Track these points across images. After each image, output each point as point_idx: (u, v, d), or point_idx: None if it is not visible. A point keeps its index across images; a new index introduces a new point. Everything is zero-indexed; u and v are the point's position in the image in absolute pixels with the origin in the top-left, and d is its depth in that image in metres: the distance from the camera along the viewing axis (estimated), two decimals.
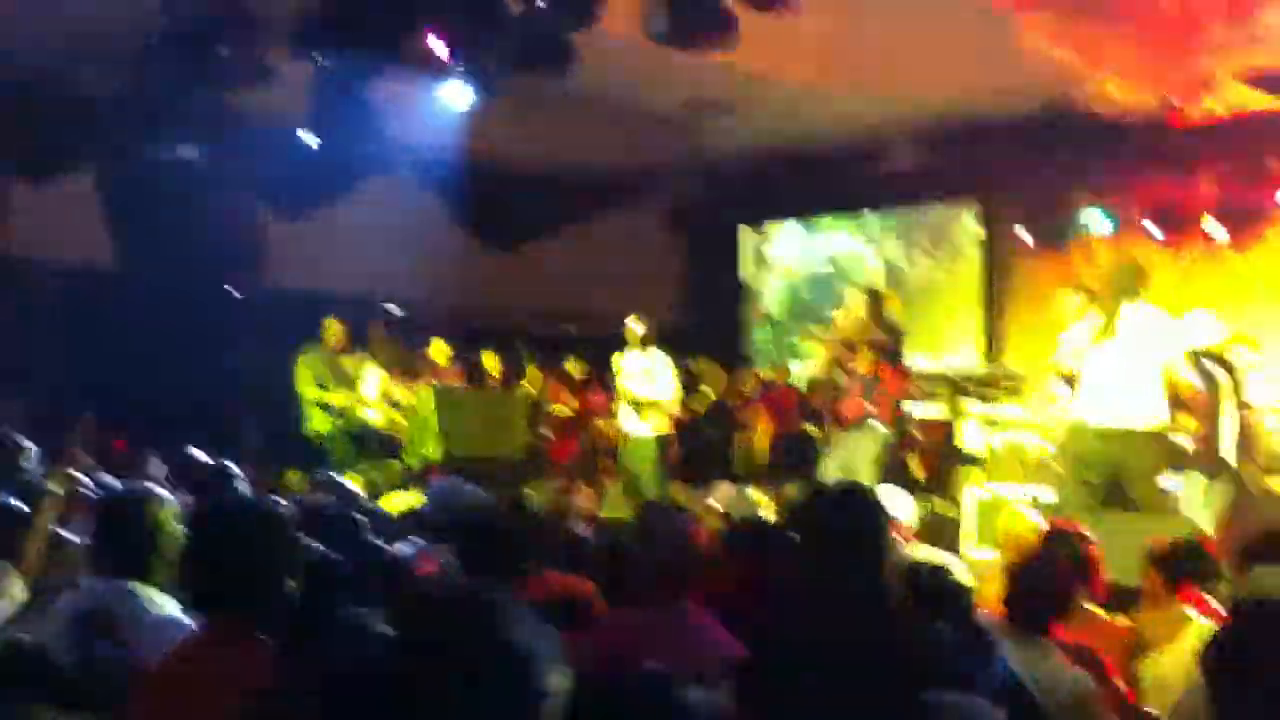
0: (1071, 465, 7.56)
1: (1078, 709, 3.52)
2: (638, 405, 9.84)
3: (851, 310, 9.64)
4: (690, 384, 11.53)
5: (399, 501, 7.00)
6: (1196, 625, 4.34)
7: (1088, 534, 4.89)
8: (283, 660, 2.57)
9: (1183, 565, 4.68)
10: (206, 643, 2.84)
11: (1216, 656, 3.27)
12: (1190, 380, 7.63)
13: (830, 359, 10.87)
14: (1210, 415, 7.58)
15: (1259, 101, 10.68)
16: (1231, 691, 3.14)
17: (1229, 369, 7.74)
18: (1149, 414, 7.26)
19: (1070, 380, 7.61)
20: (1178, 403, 7.44)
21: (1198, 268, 11.12)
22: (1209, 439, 7.51)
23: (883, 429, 9.39)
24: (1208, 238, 11.08)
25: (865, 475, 8.61)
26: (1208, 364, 7.74)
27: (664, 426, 10.05)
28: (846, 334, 9.92)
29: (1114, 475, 7.30)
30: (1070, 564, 4.39)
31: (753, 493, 7.87)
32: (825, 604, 2.99)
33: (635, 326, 10.01)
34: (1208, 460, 7.66)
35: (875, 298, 9.95)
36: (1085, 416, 7.42)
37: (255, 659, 2.61)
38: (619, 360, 10.10)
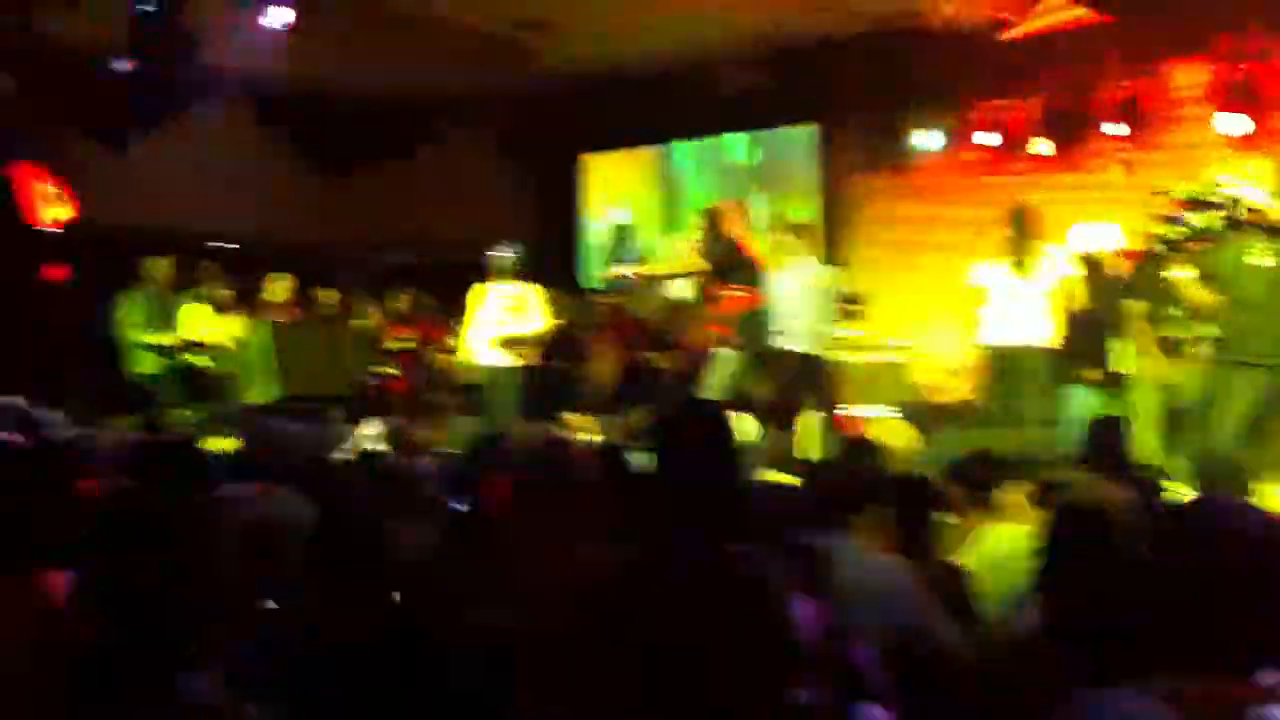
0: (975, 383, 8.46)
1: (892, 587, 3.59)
2: (505, 338, 9.46)
3: (690, 233, 9.20)
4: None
5: (226, 443, 6.73)
6: (1000, 529, 4.45)
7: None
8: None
9: (974, 475, 4.79)
10: None
11: (1039, 555, 3.38)
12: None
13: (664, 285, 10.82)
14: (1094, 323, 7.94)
15: (1084, 16, 10.90)
16: (1053, 588, 3.24)
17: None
18: (1041, 334, 7.88)
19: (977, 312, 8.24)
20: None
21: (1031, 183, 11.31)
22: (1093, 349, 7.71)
23: (731, 354, 9.19)
24: (1037, 153, 11.27)
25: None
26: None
27: (526, 357, 9.75)
28: (682, 260, 9.66)
29: (1008, 393, 7.84)
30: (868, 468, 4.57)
31: (589, 421, 7.82)
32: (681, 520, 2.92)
33: (504, 256, 9.65)
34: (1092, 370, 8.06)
35: (711, 216, 9.32)
36: (987, 339, 8.10)
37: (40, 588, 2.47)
38: (483, 290, 9.70)
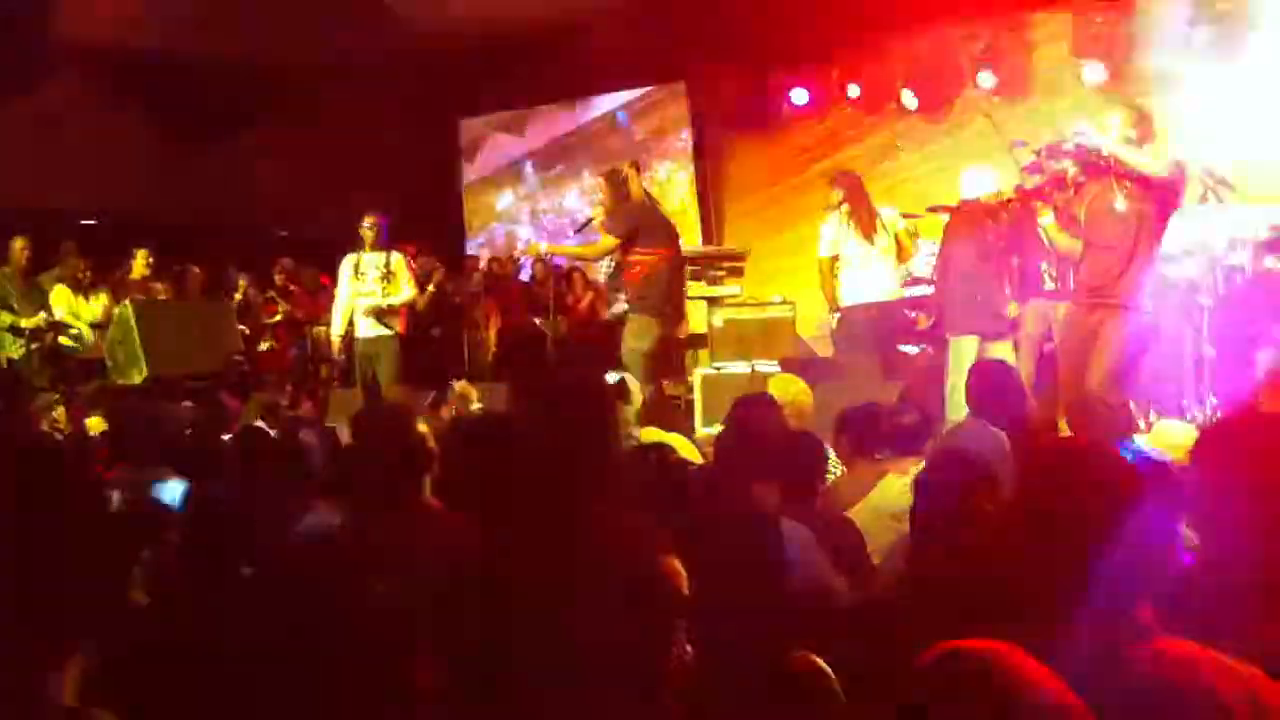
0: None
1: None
2: (377, 309, 9.38)
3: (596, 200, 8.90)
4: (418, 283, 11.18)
5: (96, 423, 6.58)
6: (886, 480, 4.53)
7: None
8: None
9: (860, 428, 4.89)
10: None
11: (916, 507, 3.46)
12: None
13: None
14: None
15: None
16: (923, 531, 3.32)
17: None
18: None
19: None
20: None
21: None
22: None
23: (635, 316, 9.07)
24: (903, 108, 11.42)
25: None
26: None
27: (399, 326, 9.67)
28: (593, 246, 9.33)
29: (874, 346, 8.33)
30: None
31: (468, 387, 7.77)
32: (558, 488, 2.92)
33: (371, 225, 9.44)
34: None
35: (614, 178, 8.93)
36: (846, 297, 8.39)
37: None
38: (354, 260, 9.55)
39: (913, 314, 9.56)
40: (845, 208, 8.52)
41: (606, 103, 14.14)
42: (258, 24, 11.06)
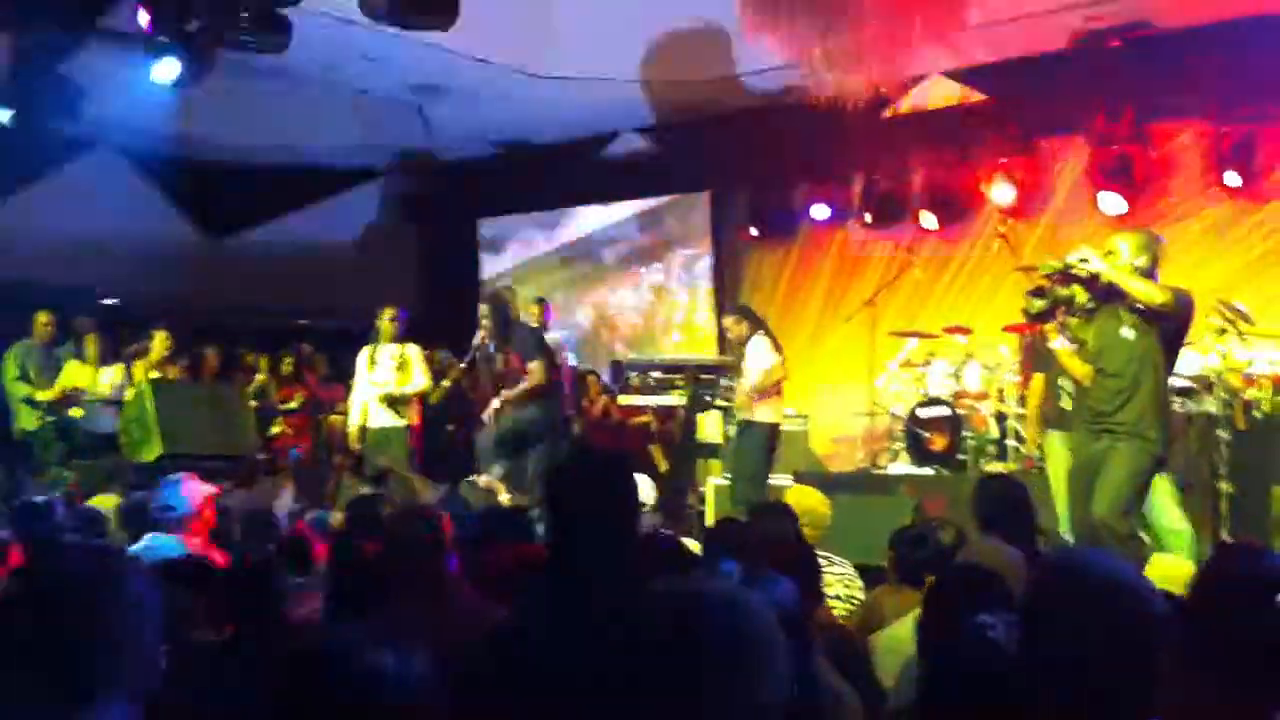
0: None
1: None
2: (390, 398, 9.47)
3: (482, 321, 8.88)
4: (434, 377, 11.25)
5: (107, 500, 6.60)
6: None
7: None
8: None
9: (910, 551, 4.90)
10: None
11: (925, 623, 3.44)
12: None
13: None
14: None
15: (965, 95, 11.25)
16: (936, 655, 3.29)
17: None
18: None
19: None
20: None
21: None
22: None
23: None
24: (921, 227, 11.54)
25: None
26: None
27: (413, 417, 9.80)
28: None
29: None
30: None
31: (495, 483, 7.80)
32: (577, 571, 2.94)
33: (388, 318, 9.60)
34: None
35: (496, 302, 8.87)
36: None
37: None
38: (371, 352, 9.64)
39: (927, 435, 9.55)
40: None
41: (625, 209, 14.28)
42: (282, 119, 11.28)
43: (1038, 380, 8.15)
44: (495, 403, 8.81)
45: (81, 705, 1.92)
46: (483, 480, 7.88)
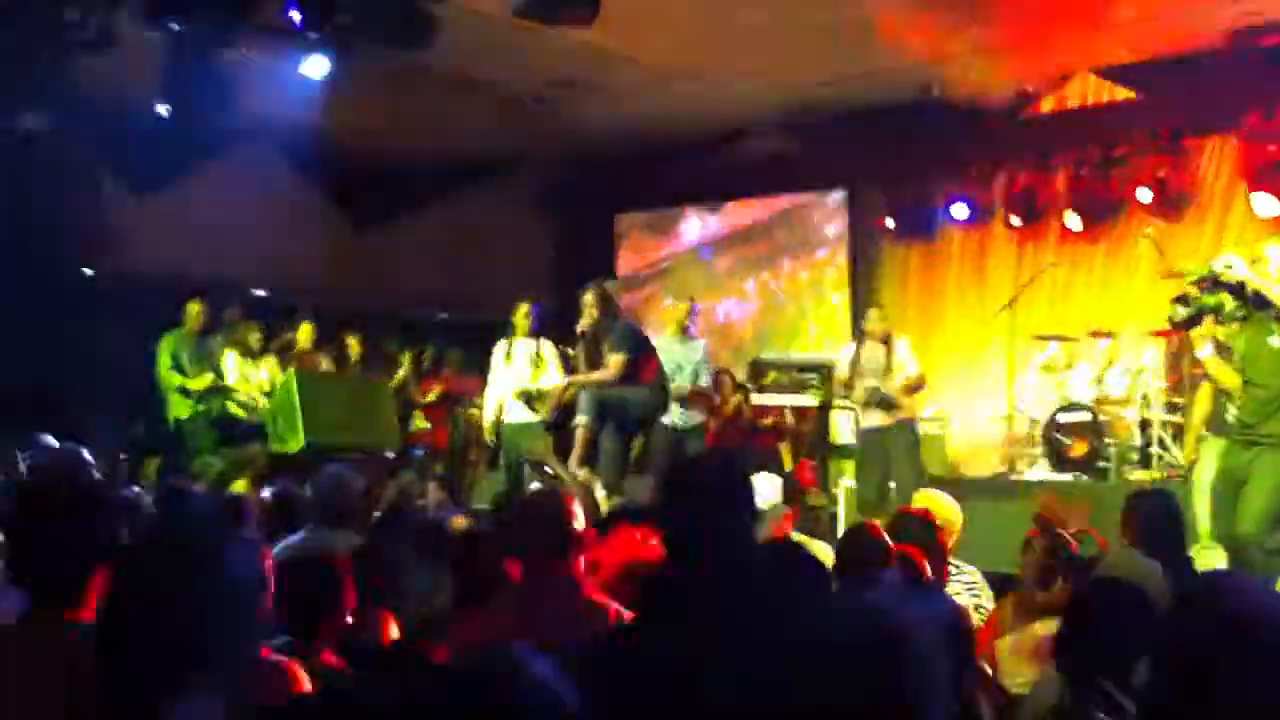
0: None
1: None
2: (527, 393, 9.51)
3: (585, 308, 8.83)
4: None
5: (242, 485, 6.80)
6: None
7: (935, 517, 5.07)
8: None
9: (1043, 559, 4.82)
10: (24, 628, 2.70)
11: (1062, 634, 3.38)
12: None
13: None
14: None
15: (1111, 93, 10.98)
16: (1079, 663, 3.24)
17: None
18: None
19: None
20: None
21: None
22: None
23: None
24: (1065, 228, 11.30)
25: None
26: None
27: (545, 412, 9.81)
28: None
29: None
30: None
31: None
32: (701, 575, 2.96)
33: (524, 313, 9.58)
34: None
35: (600, 292, 8.70)
36: None
37: (75, 645, 2.48)
38: (507, 347, 9.67)
39: (1066, 440, 9.35)
40: None
41: (758, 209, 14.25)
42: (430, 116, 11.48)
43: (1206, 386, 7.91)
44: (563, 380, 8.82)
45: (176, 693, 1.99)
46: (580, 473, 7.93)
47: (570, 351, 10.89)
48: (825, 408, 10.81)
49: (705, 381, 9.45)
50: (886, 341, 8.98)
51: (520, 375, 9.49)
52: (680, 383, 9.06)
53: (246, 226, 11.48)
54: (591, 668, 2.50)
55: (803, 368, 11.32)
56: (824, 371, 10.55)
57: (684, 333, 9.45)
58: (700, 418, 9.38)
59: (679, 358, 9.16)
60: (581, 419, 8.02)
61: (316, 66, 9.34)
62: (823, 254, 13.68)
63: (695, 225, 14.79)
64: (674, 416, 9.06)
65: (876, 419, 8.81)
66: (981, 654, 4.24)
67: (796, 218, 13.91)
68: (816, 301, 13.74)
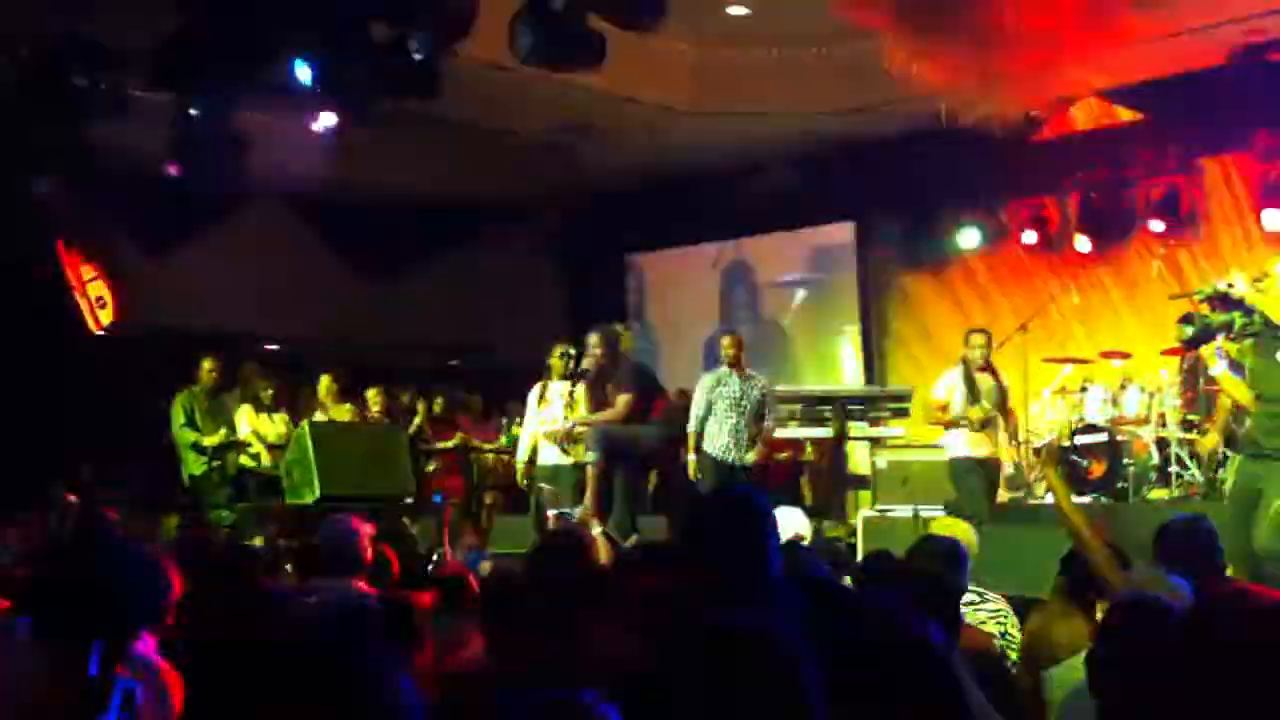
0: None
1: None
2: (557, 433, 9.40)
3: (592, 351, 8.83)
4: None
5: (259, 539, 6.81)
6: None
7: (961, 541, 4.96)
8: None
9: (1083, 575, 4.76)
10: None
11: (1096, 654, 3.34)
12: None
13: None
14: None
15: (1119, 115, 10.98)
16: (1113, 684, 3.19)
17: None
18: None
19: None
20: None
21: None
22: None
23: None
24: (1076, 250, 11.28)
25: None
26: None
27: (578, 454, 9.74)
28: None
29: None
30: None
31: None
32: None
33: (559, 355, 9.54)
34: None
35: (607, 334, 8.70)
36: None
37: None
38: (542, 389, 9.55)
39: (1085, 462, 9.29)
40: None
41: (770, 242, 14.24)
42: (439, 164, 11.56)
43: (1226, 400, 7.86)
44: (568, 423, 8.84)
45: None
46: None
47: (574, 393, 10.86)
48: (840, 439, 10.74)
49: (768, 422, 9.48)
50: (989, 369, 8.97)
51: (555, 417, 9.39)
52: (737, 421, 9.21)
53: (258, 279, 11.54)
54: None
55: (815, 401, 11.28)
56: (837, 404, 10.50)
57: (735, 366, 9.44)
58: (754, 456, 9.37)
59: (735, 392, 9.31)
60: (591, 457, 8.01)
61: (326, 121, 9.41)
62: (833, 283, 13.66)
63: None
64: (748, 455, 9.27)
65: (985, 449, 8.78)
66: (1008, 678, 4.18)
67: (807, 248, 13.92)
68: (828, 332, 13.72)
